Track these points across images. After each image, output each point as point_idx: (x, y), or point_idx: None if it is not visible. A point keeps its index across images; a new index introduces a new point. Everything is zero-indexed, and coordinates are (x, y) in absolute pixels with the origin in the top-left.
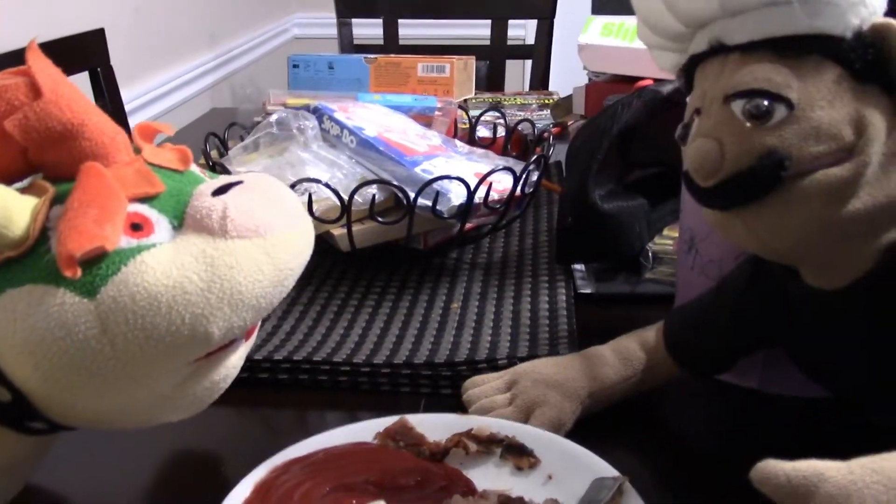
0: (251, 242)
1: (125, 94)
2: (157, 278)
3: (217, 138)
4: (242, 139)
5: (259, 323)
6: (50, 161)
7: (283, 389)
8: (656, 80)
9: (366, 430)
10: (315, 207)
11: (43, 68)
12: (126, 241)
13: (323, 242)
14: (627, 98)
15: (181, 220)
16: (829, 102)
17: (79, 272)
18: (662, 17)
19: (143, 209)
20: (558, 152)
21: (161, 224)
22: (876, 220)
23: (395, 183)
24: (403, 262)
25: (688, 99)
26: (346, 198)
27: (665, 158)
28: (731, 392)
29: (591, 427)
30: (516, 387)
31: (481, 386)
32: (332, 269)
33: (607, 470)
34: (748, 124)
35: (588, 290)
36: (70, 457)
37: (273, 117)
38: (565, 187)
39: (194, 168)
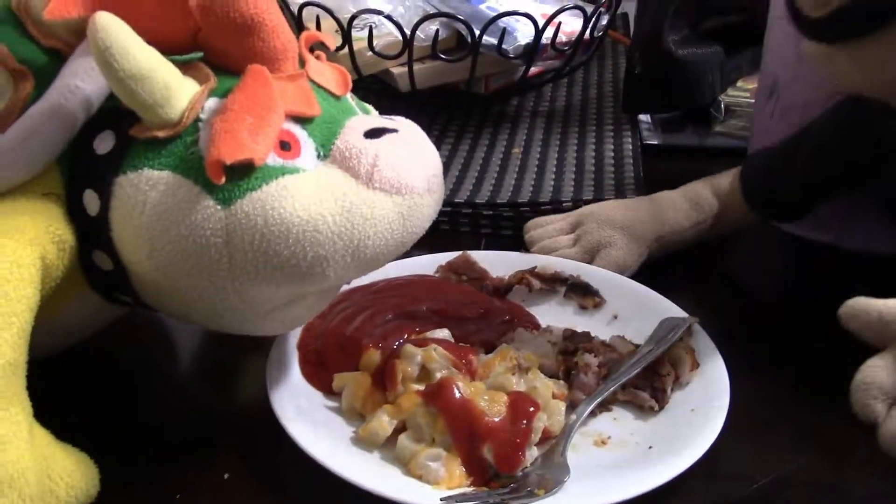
0: (391, 199)
1: None
2: (295, 208)
3: None
4: None
5: None
6: (218, 48)
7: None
8: None
9: (427, 264)
10: (375, 42)
11: None
12: (273, 159)
13: (381, 82)
14: None
15: (328, 151)
16: None
17: (223, 179)
18: None
19: (295, 129)
20: (625, 4)
21: (308, 148)
22: None
23: (460, 18)
24: (463, 107)
25: None
26: (408, 33)
27: (744, 5)
28: (807, 245)
29: (659, 272)
30: (581, 228)
31: (545, 226)
32: (391, 109)
33: (676, 311)
34: None
35: (654, 141)
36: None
37: None
38: (636, 31)
39: (349, 96)
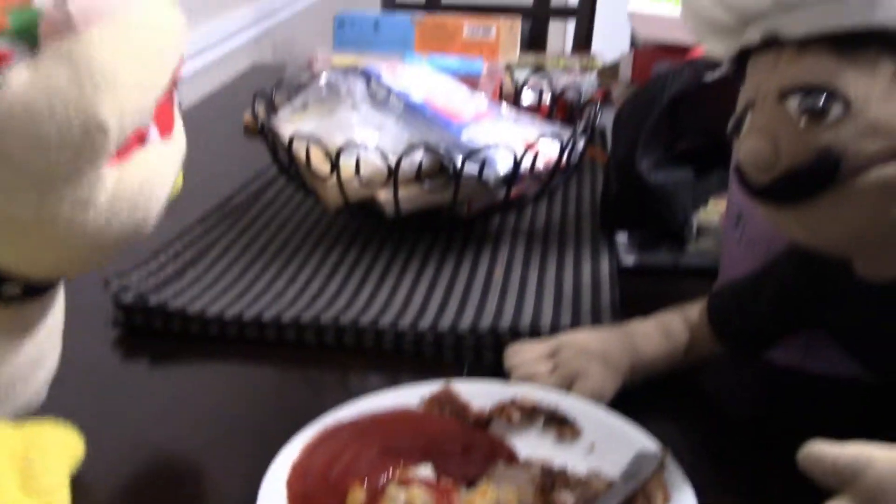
0: (105, 26)
1: None
2: (26, 87)
3: (265, 97)
4: (289, 97)
5: (176, 117)
6: None
7: (326, 351)
8: None
9: (411, 394)
10: (362, 171)
11: None
12: None
13: (367, 207)
14: (678, 68)
15: (37, 41)
16: (885, 100)
17: None
18: (713, 9)
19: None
20: (604, 119)
21: (21, 53)
22: None
23: (443, 149)
24: (447, 228)
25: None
26: (392, 162)
27: (713, 129)
28: (774, 368)
29: (632, 398)
30: (559, 356)
31: (524, 353)
32: (376, 233)
33: (649, 442)
34: (803, 121)
35: (631, 262)
36: (114, 423)
37: (322, 79)
38: (611, 155)
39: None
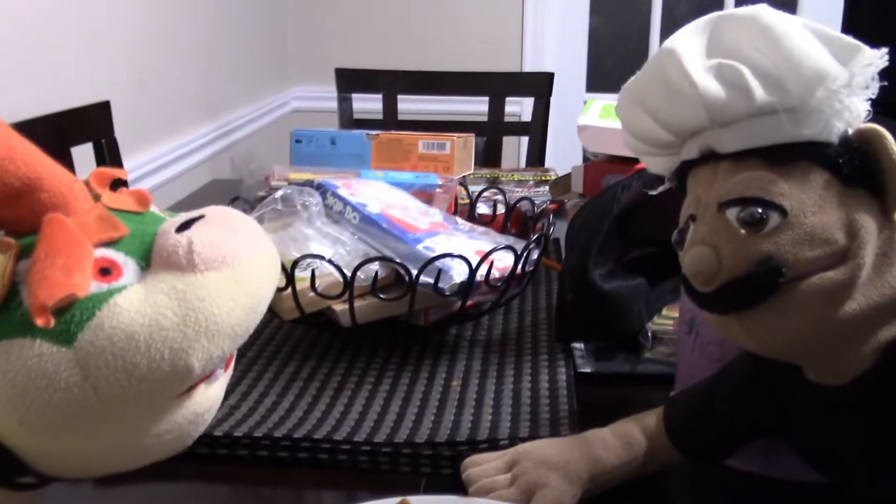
0: (220, 273)
1: (127, 165)
2: (132, 318)
3: None
4: (245, 213)
5: (235, 353)
6: (9, 217)
7: (281, 467)
8: None
9: None
10: (318, 283)
11: None
12: (97, 287)
13: (323, 317)
14: (627, 179)
15: (148, 261)
16: (819, 208)
17: (52, 321)
18: (651, 129)
19: (109, 253)
20: (557, 230)
21: (129, 266)
22: (872, 319)
23: (398, 260)
24: (404, 338)
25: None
26: (348, 274)
27: (664, 238)
28: (733, 475)
29: None
30: (517, 467)
31: (481, 465)
32: (332, 344)
33: None
34: (743, 231)
35: (588, 369)
36: None
37: (278, 193)
38: (565, 266)
39: (154, 209)
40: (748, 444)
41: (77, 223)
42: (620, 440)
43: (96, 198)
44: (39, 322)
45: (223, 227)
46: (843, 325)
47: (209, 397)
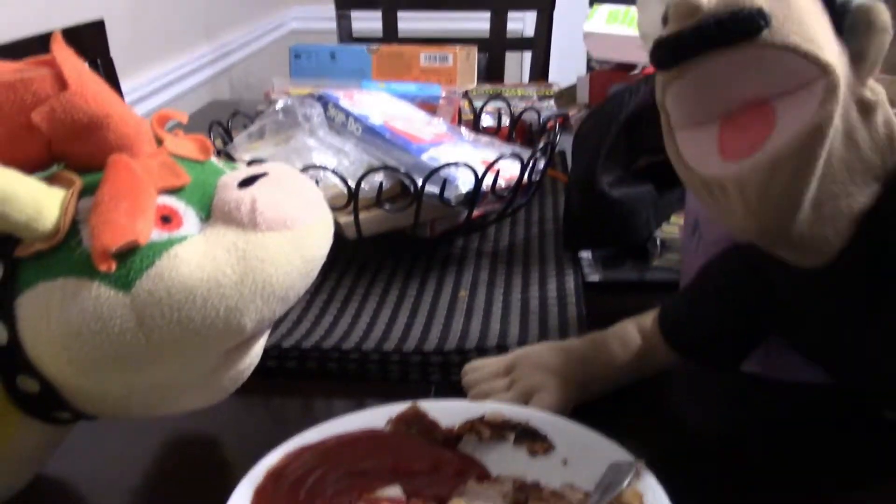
0: (280, 235)
1: (124, 87)
2: (192, 271)
3: (221, 127)
4: (246, 128)
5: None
6: (75, 153)
7: (290, 378)
8: None
9: (377, 417)
10: (322, 194)
11: (68, 60)
12: (158, 235)
13: None
14: (635, 85)
15: (208, 212)
16: (813, 15)
17: (113, 266)
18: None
19: (171, 201)
20: (562, 142)
21: (189, 216)
22: (844, 181)
23: (403, 170)
24: (409, 251)
25: None
26: (352, 185)
27: None
28: (735, 376)
29: (599, 412)
30: (515, 371)
31: (480, 370)
32: (338, 257)
33: (621, 454)
34: None
35: (595, 278)
36: (76, 445)
37: (279, 105)
38: (572, 173)
39: (213, 158)
40: (744, 347)
41: (141, 167)
42: (619, 341)
43: (159, 141)
44: (101, 267)
45: (286, 187)
46: (821, 186)
47: (252, 354)
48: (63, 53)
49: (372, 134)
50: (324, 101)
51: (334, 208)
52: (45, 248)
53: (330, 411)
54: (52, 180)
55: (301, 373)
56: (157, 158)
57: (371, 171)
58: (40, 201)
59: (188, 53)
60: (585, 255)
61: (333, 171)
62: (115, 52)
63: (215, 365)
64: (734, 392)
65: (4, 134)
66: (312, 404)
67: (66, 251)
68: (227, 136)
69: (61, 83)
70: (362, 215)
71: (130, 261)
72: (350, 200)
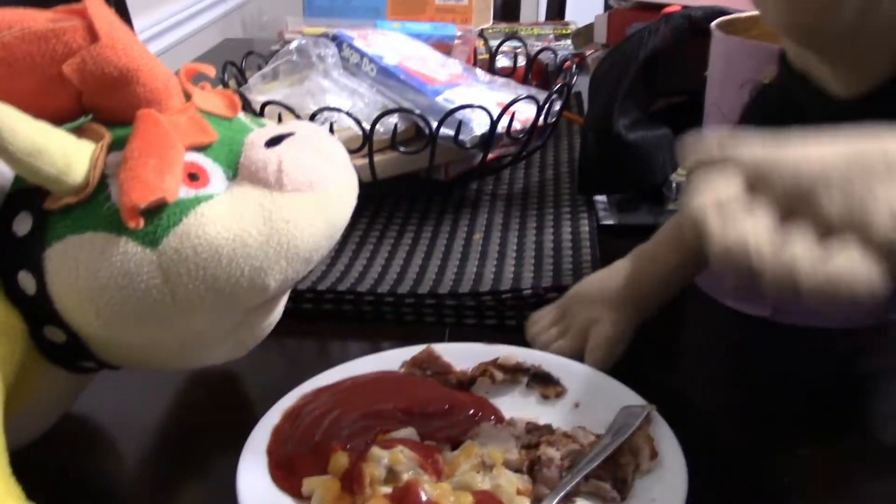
0: (305, 197)
1: (137, 25)
2: (218, 231)
3: (235, 67)
4: (260, 68)
5: None
6: (104, 105)
7: (305, 319)
8: (684, 7)
9: (392, 359)
10: (336, 137)
11: (99, 10)
12: (185, 192)
13: None
14: (655, 24)
15: (235, 170)
16: None
17: (142, 223)
18: None
19: (198, 158)
20: (579, 83)
21: (216, 174)
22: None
23: (418, 112)
24: (424, 193)
25: None
26: (367, 127)
27: (690, 87)
28: (745, 322)
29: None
30: (568, 314)
31: (539, 322)
32: None
33: (633, 398)
34: None
35: (610, 222)
36: (100, 385)
37: (293, 45)
38: (589, 114)
39: (241, 115)
40: None
41: (170, 122)
42: (664, 243)
43: (187, 96)
44: (130, 223)
45: (311, 148)
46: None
47: (275, 313)
48: (95, 5)
49: (386, 75)
50: (338, 42)
51: (349, 150)
52: (73, 202)
53: (345, 354)
54: (80, 132)
55: (316, 315)
56: (185, 114)
57: (386, 113)
58: (70, 155)
59: None
60: (600, 198)
61: (348, 114)
62: None
63: (238, 322)
64: (744, 337)
65: (35, 84)
66: (327, 346)
67: (95, 205)
68: (242, 77)
69: (92, 34)
70: (377, 158)
71: (158, 218)
72: (364, 143)
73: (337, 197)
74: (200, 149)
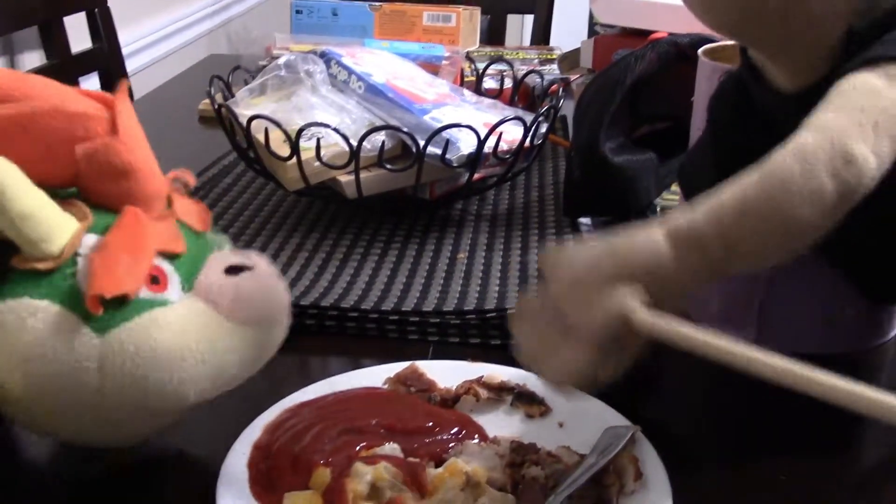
0: (249, 331)
1: (122, 38)
2: (165, 337)
3: (222, 81)
4: (247, 83)
5: None
6: (96, 189)
7: (287, 334)
8: (670, 34)
9: (375, 375)
10: (323, 153)
11: (125, 109)
12: (144, 292)
13: (328, 189)
14: (641, 50)
15: (191, 285)
16: None
17: (101, 311)
18: None
19: (164, 265)
20: (564, 107)
21: (174, 282)
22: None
23: (405, 130)
24: (409, 212)
25: None
26: (354, 144)
27: (675, 112)
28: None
29: None
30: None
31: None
32: (338, 215)
33: (618, 419)
34: None
35: None
36: None
37: (281, 59)
38: (575, 137)
39: (208, 233)
40: None
41: (150, 224)
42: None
43: (169, 203)
44: (91, 309)
45: (264, 287)
46: None
47: (174, 418)
48: (124, 103)
49: (374, 93)
50: (326, 58)
51: (336, 167)
52: (41, 269)
53: (326, 369)
54: (66, 205)
55: (298, 329)
56: (165, 221)
57: (373, 130)
58: (54, 227)
59: (187, 5)
60: (585, 220)
61: (335, 130)
62: (112, 2)
63: (152, 422)
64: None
65: (44, 153)
66: (308, 361)
67: (60, 278)
68: (228, 91)
69: (112, 127)
70: (363, 175)
71: (114, 310)
72: (351, 159)
73: (273, 337)
74: (168, 256)
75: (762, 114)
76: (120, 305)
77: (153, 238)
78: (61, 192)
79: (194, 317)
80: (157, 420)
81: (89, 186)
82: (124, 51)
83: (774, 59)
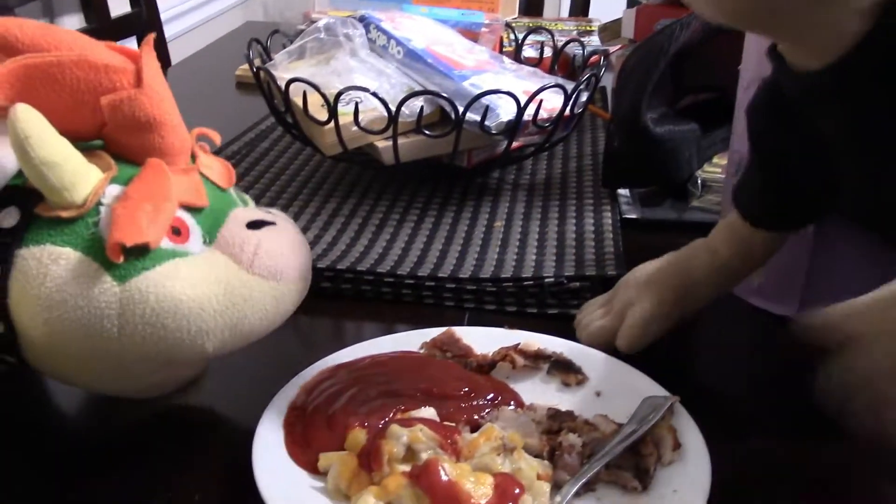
0: (268, 284)
1: (161, 5)
2: (183, 287)
3: (260, 45)
4: (284, 47)
5: None
6: (121, 141)
7: (322, 298)
8: None
9: (412, 340)
10: (361, 118)
11: (150, 63)
12: (165, 243)
13: (365, 154)
14: (686, 18)
15: (213, 238)
16: None
17: (122, 259)
18: None
19: (186, 217)
20: (604, 79)
21: (196, 235)
22: None
23: (444, 96)
24: (446, 180)
25: None
26: (393, 109)
27: (719, 83)
28: (771, 319)
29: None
30: (614, 299)
31: (587, 307)
32: (374, 181)
33: (656, 390)
34: None
35: (633, 215)
36: None
37: (321, 23)
38: (616, 107)
39: (231, 190)
40: (806, 202)
41: (173, 177)
42: (719, 239)
43: (193, 158)
44: (112, 257)
45: (286, 242)
46: None
47: (198, 370)
48: (149, 56)
49: (413, 58)
50: (366, 23)
51: (374, 132)
52: (65, 216)
53: (361, 333)
54: (91, 156)
55: (334, 294)
56: (188, 174)
57: (412, 95)
58: (77, 175)
59: None
60: (623, 191)
61: (374, 94)
62: None
63: (168, 371)
64: (769, 334)
65: (70, 104)
66: (343, 325)
67: (83, 226)
68: (266, 55)
69: (138, 80)
70: (401, 140)
71: (135, 259)
72: (389, 124)
73: (293, 292)
74: (191, 209)
75: (794, 106)
76: (141, 255)
77: (176, 190)
78: (87, 144)
79: (214, 269)
80: (175, 371)
81: (114, 139)
82: (163, 17)
83: (800, 37)
